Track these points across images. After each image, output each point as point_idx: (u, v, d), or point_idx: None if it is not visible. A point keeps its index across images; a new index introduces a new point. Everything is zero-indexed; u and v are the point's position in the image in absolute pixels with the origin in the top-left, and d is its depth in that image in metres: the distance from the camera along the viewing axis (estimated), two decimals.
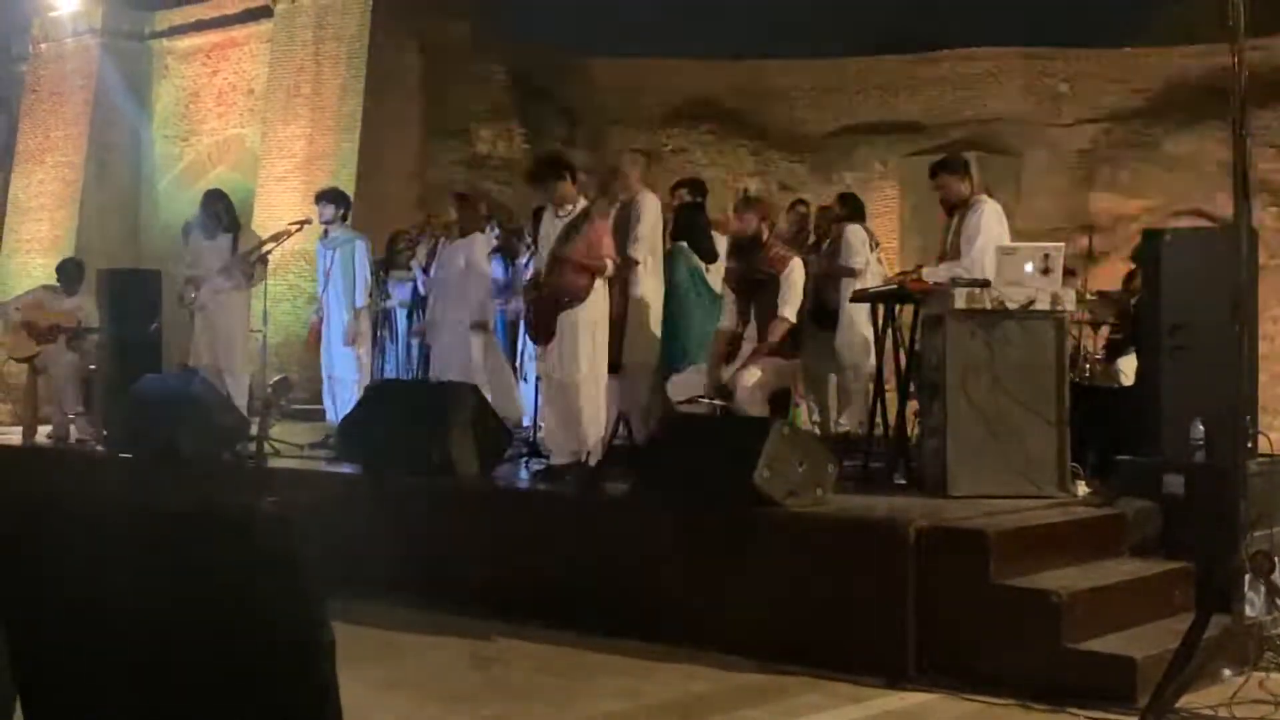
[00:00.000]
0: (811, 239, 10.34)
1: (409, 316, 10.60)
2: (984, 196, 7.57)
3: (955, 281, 6.92)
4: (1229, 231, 5.38)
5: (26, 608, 2.61)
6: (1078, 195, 18.02)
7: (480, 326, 9.57)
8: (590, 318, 7.61)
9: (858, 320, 9.47)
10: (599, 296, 7.67)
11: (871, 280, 9.52)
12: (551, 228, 7.83)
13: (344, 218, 10.46)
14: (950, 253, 7.45)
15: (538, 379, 8.64)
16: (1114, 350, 10.71)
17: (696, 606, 6.28)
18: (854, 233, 9.81)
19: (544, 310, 7.73)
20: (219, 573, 2.39)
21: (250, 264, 9.95)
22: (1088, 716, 5.08)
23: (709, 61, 20.78)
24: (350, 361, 10.34)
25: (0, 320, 11.53)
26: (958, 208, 7.54)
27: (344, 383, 10.32)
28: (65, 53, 20.79)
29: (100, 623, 2.51)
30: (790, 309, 7.77)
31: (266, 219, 16.90)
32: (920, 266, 7.57)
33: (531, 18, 19.93)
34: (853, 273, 9.62)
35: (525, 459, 8.29)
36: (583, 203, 7.79)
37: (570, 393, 7.61)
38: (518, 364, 10.41)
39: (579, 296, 7.59)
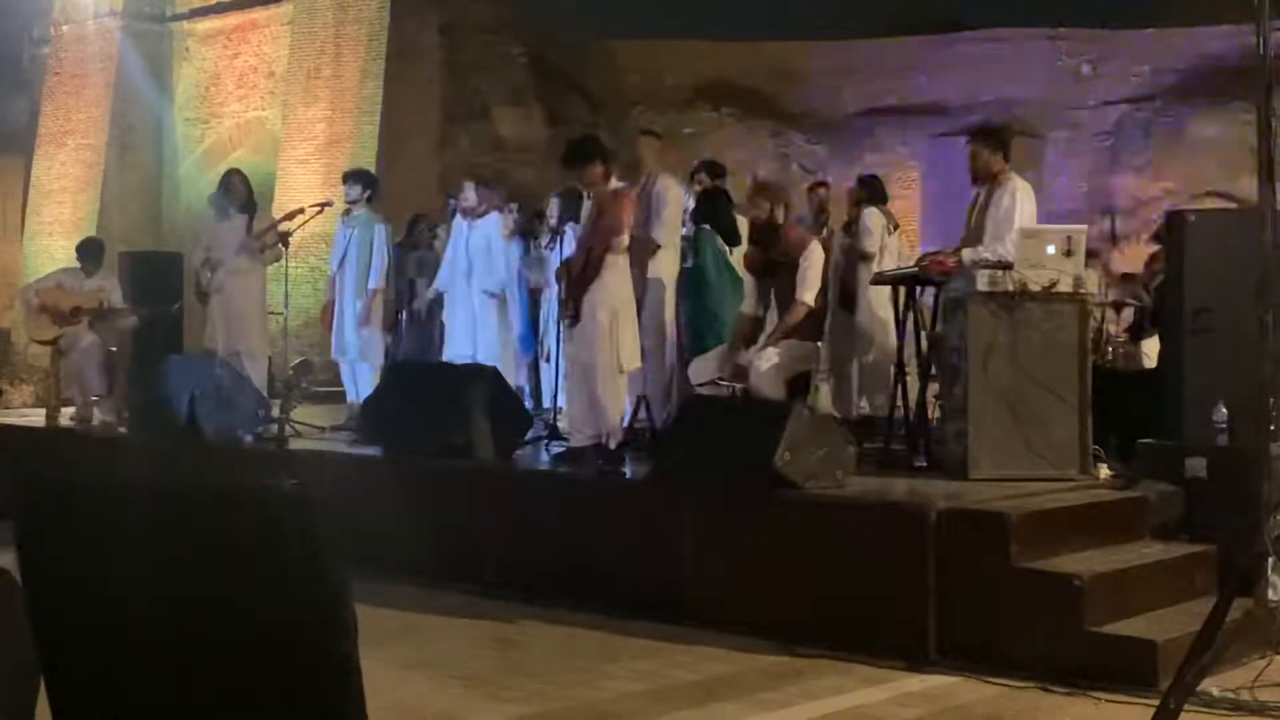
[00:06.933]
0: (828, 222, 10.34)
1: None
2: (1014, 175, 7.49)
3: (977, 264, 6.89)
4: (1253, 214, 5.34)
5: (50, 587, 2.63)
6: (1100, 177, 17.93)
7: (494, 296, 9.74)
8: (608, 298, 7.57)
9: (877, 303, 9.46)
10: (617, 277, 7.63)
11: (890, 262, 9.50)
12: (585, 211, 7.86)
13: (369, 199, 10.47)
14: (975, 228, 7.37)
15: (559, 359, 8.67)
16: (1136, 333, 10.68)
17: (716, 589, 6.29)
18: (870, 216, 9.78)
19: (571, 292, 7.75)
20: (241, 554, 2.40)
21: (264, 242, 9.98)
22: (1109, 700, 5.07)
23: (730, 43, 20.72)
24: (363, 343, 10.35)
25: (21, 304, 11.57)
26: (985, 181, 7.45)
27: (361, 365, 10.35)
28: (86, 35, 20.83)
29: (122, 602, 2.52)
30: (809, 293, 7.73)
31: (287, 201, 16.93)
32: (958, 250, 7.47)
33: None
34: (867, 256, 9.60)
35: (545, 441, 8.30)
36: (613, 184, 7.78)
37: (590, 374, 7.60)
38: (539, 344, 10.43)
39: (595, 274, 7.59)
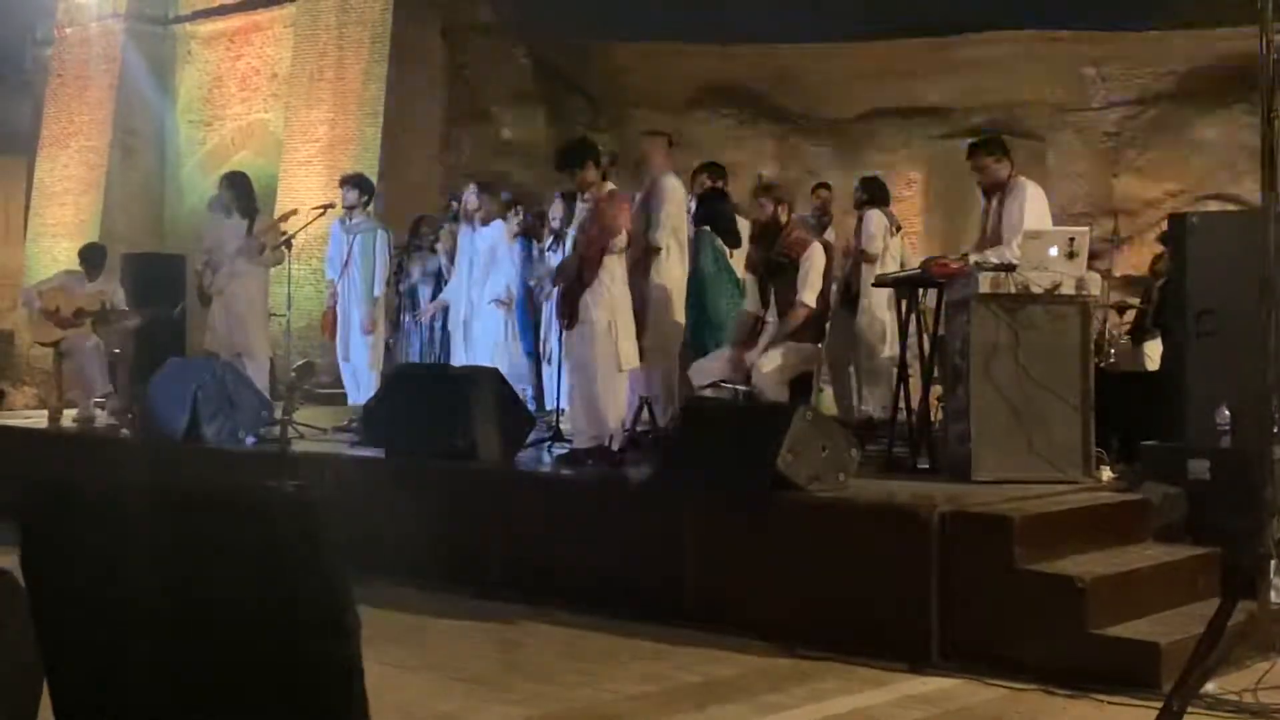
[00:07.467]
0: (831, 224, 10.37)
1: (433, 297, 10.66)
2: (1023, 179, 7.50)
3: (980, 266, 6.89)
4: (1256, 216, 5.34)
5: (52, 588, 2.63)
6: (1104, 179, 17.93)
7: (503, 305, 9.76)
8: (604, 299, 7.57)
9: (877, 304, 9.48)
10: (613, 277, 7.62)
11: (892, 264, 9.52)
12: (579, 213, 7.86)
13: (366, 204, 10.49)
14: (991, 235, 7.39)
15: (560, 362, 8.68)
16: (1139, 334, 10.68)
17: (719, 591, 6.29)
18: (872, 218, 9.79)
19: (567, 294, 7.75)
20: (243, 556, 2.40)
21: (265, 244, 9.99)
22: (1111, 702, 5.06)
23: (732, 45, 20.69)
24: (367, 349, 10.37)
25: (24, 306, 11.58)
26: (996, 190, 7.47)
27: (363, 368, 10.37)
28: (89, 37, 20.85)
29: (124, 604, 2.52)
30: (809, 294, 7.75)
31: (290, 204, 16.92)
32: (966, 254, 7.47)
33: (554, 1, 19.88)
34: (869, 258, 9.61)
35: (548, 443, 8.30)
36: (609, 187, 7.77)
37: (589, 374, 7.60)
38: (541, 346, 10.45)
39: (593, 276, 7.59)
